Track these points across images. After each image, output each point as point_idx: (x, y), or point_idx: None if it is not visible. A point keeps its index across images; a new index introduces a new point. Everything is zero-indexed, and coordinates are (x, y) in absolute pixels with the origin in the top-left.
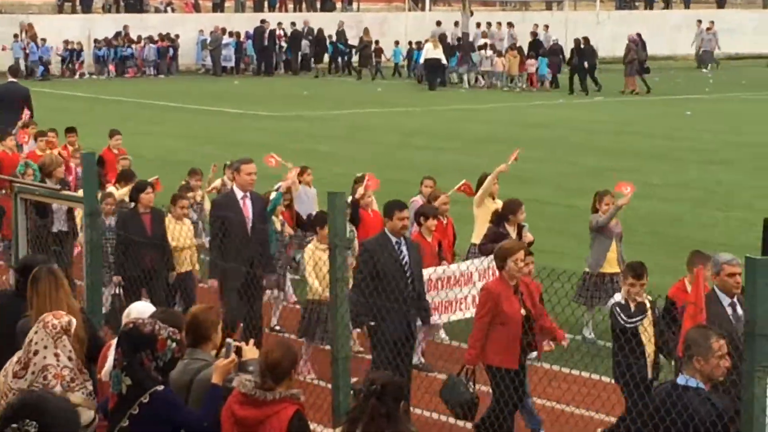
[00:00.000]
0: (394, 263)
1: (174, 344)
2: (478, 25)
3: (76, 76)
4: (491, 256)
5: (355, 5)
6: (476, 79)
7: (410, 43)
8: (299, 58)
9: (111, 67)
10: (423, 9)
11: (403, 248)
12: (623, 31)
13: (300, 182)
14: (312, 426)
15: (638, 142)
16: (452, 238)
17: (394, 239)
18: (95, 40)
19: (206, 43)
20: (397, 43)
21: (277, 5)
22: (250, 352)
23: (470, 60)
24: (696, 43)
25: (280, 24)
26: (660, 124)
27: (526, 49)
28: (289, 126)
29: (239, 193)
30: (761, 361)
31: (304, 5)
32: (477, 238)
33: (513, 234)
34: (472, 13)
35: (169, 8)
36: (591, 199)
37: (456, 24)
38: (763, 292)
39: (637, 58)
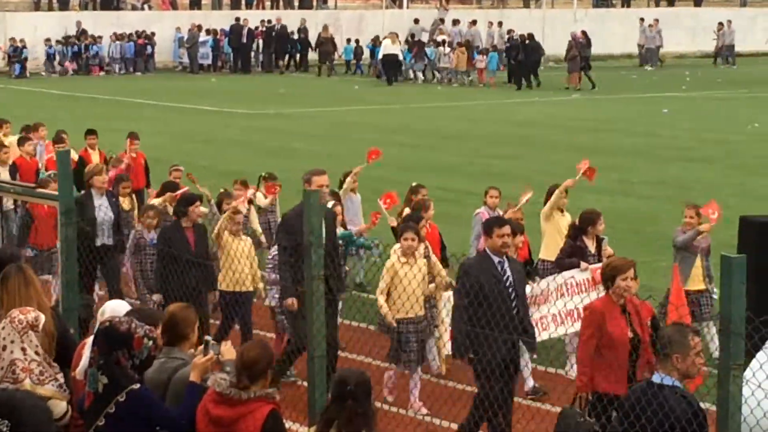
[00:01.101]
0: (497, 284)
1: (150, 342)
2: (455, 22)
3: (28, 74)
4: (569, 272)
5: (331, 3)
6: (432, 75)
7: (374, 39)
8: (272, 56)
9: (68, 65)
10: (400, 6)
11: (506, 267)
12: (599, 29)
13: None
14: (288, 425)
15: (618, 140)
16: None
17: (496, 258)
18: (45, 39)
19: (183, 40)
20: (348, 41)
21: (254, 3)
22: (229, 352)
23: (425, 56)
24: (640, 41)
25: (262, 22)
26: (639, 122)
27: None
28: (266, 123)
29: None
30: (736, 358)
31: (281, 3)
32: (546, 253)
33: (592, 248)
34: (447, 10)
35: (146, 6)
36: (570, 197)
37: (437, 21)
38: (738, 290)
39: (579, 55)
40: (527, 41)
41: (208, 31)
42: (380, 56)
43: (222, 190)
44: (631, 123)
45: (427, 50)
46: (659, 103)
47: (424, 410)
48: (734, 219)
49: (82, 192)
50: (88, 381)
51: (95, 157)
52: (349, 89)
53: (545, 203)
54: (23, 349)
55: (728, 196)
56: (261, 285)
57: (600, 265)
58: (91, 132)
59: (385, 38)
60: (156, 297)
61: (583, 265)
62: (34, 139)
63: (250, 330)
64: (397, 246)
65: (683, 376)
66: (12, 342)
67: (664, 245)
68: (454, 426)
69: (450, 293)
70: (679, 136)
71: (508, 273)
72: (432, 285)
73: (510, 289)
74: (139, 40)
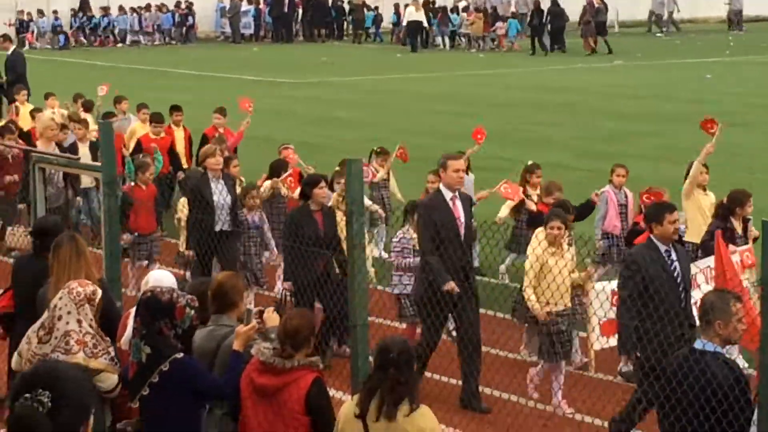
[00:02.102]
0: (664, 275)
1: (192, 312)
2: None
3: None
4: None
5: None
6: (454, 41)
7: (396, 6)
8: (311, 25)
9: (71, 35)
10: None
11: (674, 256)
12: None
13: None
14: (331, 393)
15: (659, 106)
16: None
17: (663, 247)
18: (54, 11)
19: (225, 10)
20: (368, 8)
21: None
22: (272, 319)
23: (449, 21)
24: (652, 8)
25: None
26: (681, 88)
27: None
28: (308, 92)
29: (447, 193)
30: None
31: None
32: (689, 235)
33: (739, 229)
34: None
35: None
36: (611, 163)
37: None
38: None
39: (592, 20)
40: (541, 7)
41: (249, 1)
42: (404, 23)
43: (337, 169)
44: (673, 89)
45: (450, 16)
46: (702, 68)
47: (569, 409)
48: None
49: (200, 175)
50: (131, 351)
51: (179, 135)
52: (391, 57)
53: (685, 179)
54: (79, 321)
55: None
56: (373, 270)
57: (747, 247)
58: (176, 108)
59: (408, 5)
60: (286, 285)
61: (732, 248)
62: (118, 114)
63: None
64: (539, 232)
65: (725, 342)
66: (68, 313)
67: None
68: (598, 421)
69: (603, 284)
70: (722, 101)
71: (676, 263)
72: (581, 274)
73: (678, 279)
74: (178, 10)
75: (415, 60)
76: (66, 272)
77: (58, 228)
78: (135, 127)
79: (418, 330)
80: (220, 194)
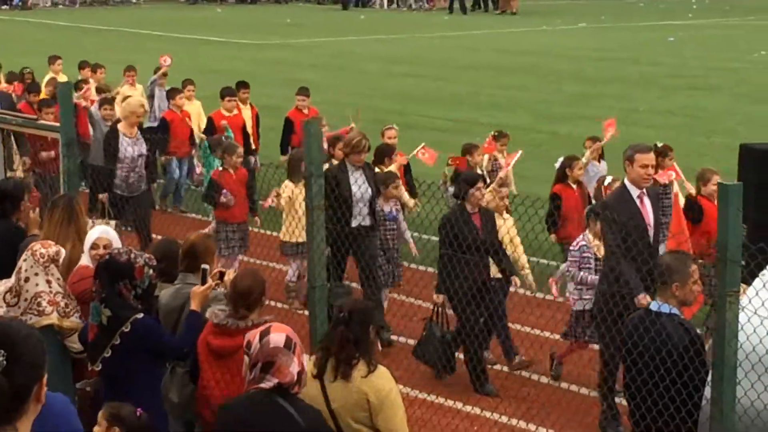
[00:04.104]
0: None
1: (151, 270)
2: None
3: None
4: None
5: None
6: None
7: None
8: None
9: None
10: None
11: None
12: None
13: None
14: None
15: (623, 69)
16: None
17: (635, 192)
18: None
19: None
20: None
21: None
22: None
23: None
24: None
25: None
26: (645, 50)
27: None
28: (272, 55)
29: (634, 191)
30: (732, 285)
31: None
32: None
33: None
34: None
35: None
36: (575, 126)
37: None
38: (735, 217)
39: None
40: None
41: None
42: None
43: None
44: (637, 51)
45: None
46: (665, 31)
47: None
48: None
49: (335, 163)
50: (90, 314)
51: (247, 113)
52: (355, 19)
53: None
54: (48, 282)
55: (736, 124)
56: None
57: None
58: (243, 84)
59: None
60: (439, 298)
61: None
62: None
63: None
64: None
65: (681, 304)
66: (36, 274)
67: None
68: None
69: None
70: (685, 64)
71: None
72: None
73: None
74: None
75: (378, 22)
76: (54, 234)
77: (18, 190)
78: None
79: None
80: (359, 186)
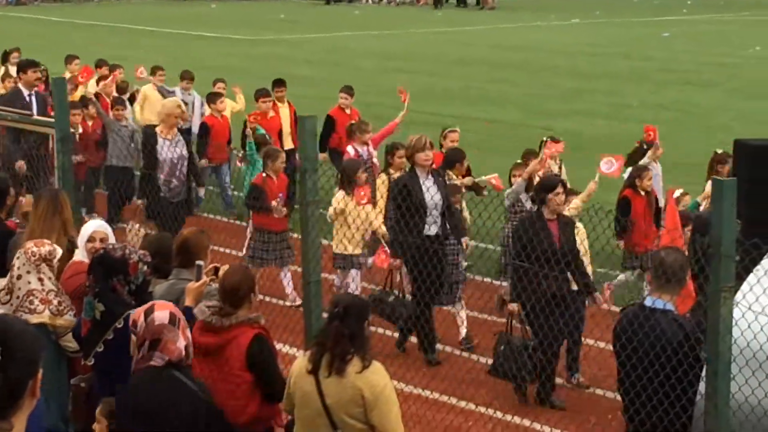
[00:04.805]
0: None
1: (145, 267)
2: None
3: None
4: None
5: None
6: None
7: None
8: None
9: None
10: None
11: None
12: None
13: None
14: (285, 348)
15: (616, 64)
16: None
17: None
18: None
19: None
20: None
21: None
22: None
23: None
24: None
25: None
26: (638, 46)
27: None
28: (266, 50)
29: None
30: (726, 281)
31: None
32: None
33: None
34: None
35: None
36: (568, 122)
37: None
38: (728, 213)
39: None
40: None
41: None
42: None
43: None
44: (630, 47)
45: None
46: (660, 26)
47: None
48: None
49: (392, 173)
50: (84, 309)
51: (285, 112)
52: (349, 14)
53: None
54: (40, 280)
55: (729, 120)
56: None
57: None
58: (279, 82)
59: None
60: (512, 306)
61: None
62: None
63: None
64: None
65: (673, 300)
66: (28, 272)
67: (663, 169)
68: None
69: None
70: (678, 59)
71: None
72: None
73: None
74: None
75: (372, 17)
76: (39, 227)
77: (3, 183)
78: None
79: None
80: (431, 195)
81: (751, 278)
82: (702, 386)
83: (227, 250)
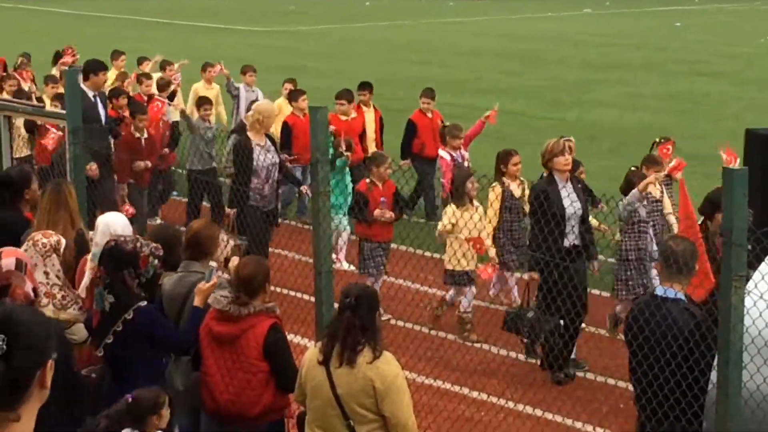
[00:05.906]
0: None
1: (156, 261)
2: None
3: None
4: None
5: None
6: None
7: None
8: None
9: None
10: None
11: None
12: None
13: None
14: (296, 339)
15: (627, 54)
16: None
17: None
18: None
19: None
20: None
21: None
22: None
23: None
24: None
25: None
26: (650, 36)
27: None
28: (276, 42)
29: None
30: (738, 270)
31: None
32: None
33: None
34: None
35: None
36: (579, 112)
37: None
38: (740, 202)
39: None
40: None
41: None
42: None
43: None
44: (642, 37)
45: None
46: (671, 16)
47: None
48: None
49: (543, 175)
50: (95, 300)
51: (369, 116)
52: (359, 5)
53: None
54: (46, 273)
55: (741, 109)
56: None
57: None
58: (365, 85)
59: None
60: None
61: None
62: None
63: None
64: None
65: (684, 289)
66: (35, 265)
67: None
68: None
69: None
70: (690, 48)
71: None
72: None
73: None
74: None
75: (383, 8)
76: (44, 220)
77: (23, 176)
78: (279, 104)
79: None
80: (571, 202)
81: (763, 267)
82: (714, 375)
83: (297, 256)
